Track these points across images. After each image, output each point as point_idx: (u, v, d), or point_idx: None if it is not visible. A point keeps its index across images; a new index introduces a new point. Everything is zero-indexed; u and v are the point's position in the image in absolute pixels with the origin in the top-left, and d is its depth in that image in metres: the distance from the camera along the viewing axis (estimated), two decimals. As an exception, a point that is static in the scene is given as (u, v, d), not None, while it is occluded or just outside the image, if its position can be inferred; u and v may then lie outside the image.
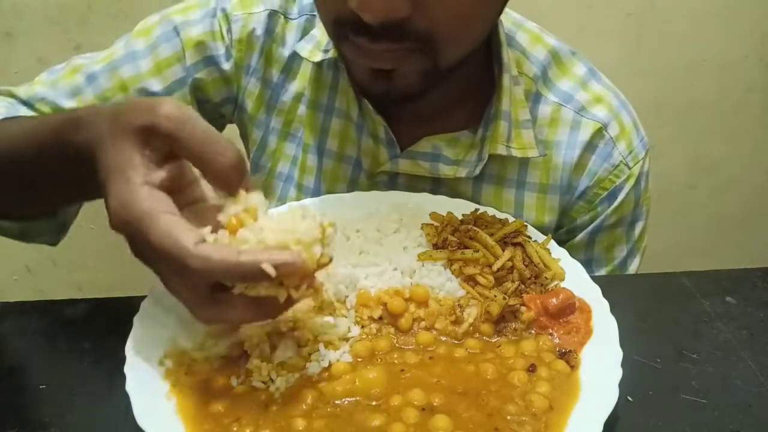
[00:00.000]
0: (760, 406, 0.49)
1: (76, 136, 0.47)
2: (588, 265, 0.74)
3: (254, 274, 0.40)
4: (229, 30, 0.72)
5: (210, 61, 0.72)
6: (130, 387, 0.45)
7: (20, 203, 0.59)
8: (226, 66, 0.73)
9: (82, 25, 1.30)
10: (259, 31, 0.72)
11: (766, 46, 1.57)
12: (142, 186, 0.42)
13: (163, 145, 0.43)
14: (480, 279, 0.55)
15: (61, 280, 1.61)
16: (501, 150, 0.68)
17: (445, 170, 0.70)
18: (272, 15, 0.73)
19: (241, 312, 0.44)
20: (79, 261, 1.58)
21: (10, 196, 0.58)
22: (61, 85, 0.70)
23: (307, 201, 0.67)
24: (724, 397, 0.50)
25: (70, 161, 0.48)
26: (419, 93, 0.61)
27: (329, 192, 0.73)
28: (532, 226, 0.65)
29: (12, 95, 0.69)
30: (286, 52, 0.73)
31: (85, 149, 0.46)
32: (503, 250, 0.58)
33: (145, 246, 0.42)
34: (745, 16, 1.53)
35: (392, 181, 0.72)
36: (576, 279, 0.57)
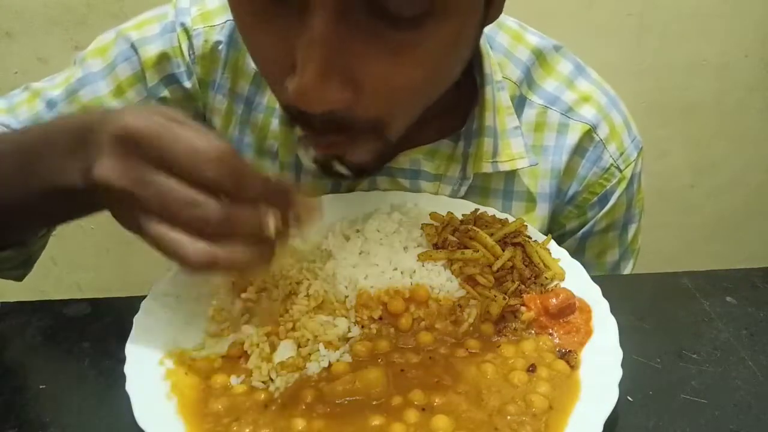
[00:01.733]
0: (760, 406, 0.49)
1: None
2: None
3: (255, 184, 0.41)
4: (190, 46, 0.67)
5: (171, 79, 0.68)
6: (130, 387, 0.44)
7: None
8: (188, 84, 0.68)
9: (82, 25, 1.30)
10: (223, 44, 0.67)
11: (767, 46, 1.57)
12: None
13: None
14: (480, 279, 0.55)
15: (61, 280, 1.61)
16: (486, 168, 0.65)
17: (427, 187, 0.66)
18: (234, 26, 0.67)
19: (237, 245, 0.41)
20: (79, 261, 1.58)
21: None
22: (20, 111, 0.67)
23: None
24: (724, 397, 0.50)
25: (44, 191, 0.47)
26: (374, 166, 0.59)
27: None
28: None
29: None
30: (253, 64, 0.66)
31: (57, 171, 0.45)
32: (503, 250, 0.58)
33: (168, 143, 0.39)
34: (745, 16, 1.53)
35: None
36: (576, 279, 0.57)
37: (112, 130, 0.41)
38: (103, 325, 0.56)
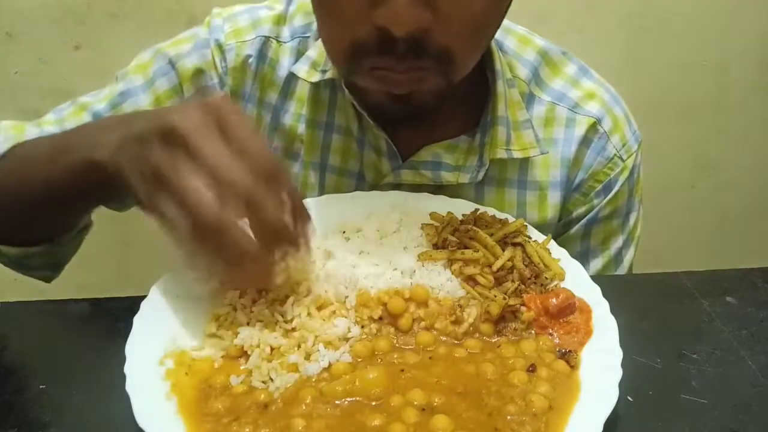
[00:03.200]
0: (760, 406, 0.49)
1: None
2: (584, 256, 0.77)
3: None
4: (223, 59, 0.73)
5: None
6: (130, 387, 0.45)
7: (39, 219, 0.61)
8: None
9: (82, 25, 1.30)
10: (253, 58, 0.74)
11: (766, 46, 1.57)
12: None
13: None
14: (480, 279, 0.55)
15: (61, 280, 1.61)
16: (501, 154, 0.70)
17: (448, 177, 0.71)
18: (264, 41, 0.74)
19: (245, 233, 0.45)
20: (79, 261, 1.58)
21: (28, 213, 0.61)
22: (68, 123, 0.72)
23: (308, 200, 0.67)
24: (724, 397, 0.50)
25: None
26: (433, 110, 0.64)
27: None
28: (536, 223, 0.67)
29: (20, 130, 0.70)
30: (282, 75, 0.74)
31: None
32: (503, 250, 0.58)
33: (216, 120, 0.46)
34: (745, 16, 1.53)
35: None
36: (576, 279, 0.57)
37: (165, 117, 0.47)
38: (103, 325, 0.56)
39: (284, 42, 0.75)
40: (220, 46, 0.73)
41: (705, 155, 1.69)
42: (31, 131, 0.70)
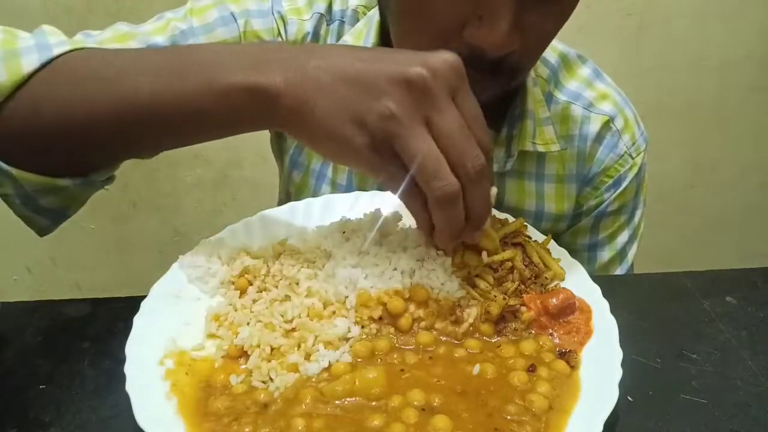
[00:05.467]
0: (760, 406, 0.49)
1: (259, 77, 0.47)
2: (593, 248, 0.82)
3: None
4: (285, 31, 0.74)
5: None
6: (130, 387, 0.44)
7: (87, 146, 0.53)
8: None
9: (82, 25, 1.29)
10: (310, 34, 0.76)
11: (766, 46, 1.57)
12: None
13: None
14: (479, 282, 0.55)
15: (61, 280, 1.61)
16: (528, 147, 0.74)
17: None
18: (319, 18, 0.76)
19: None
20: (79, 261, 1.58)
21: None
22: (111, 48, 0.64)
23: (309, 201, 0.67)
24: (724, 397, 0.50)
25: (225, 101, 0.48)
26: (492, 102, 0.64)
27: (360, 188, 0.75)
28: (554, 214, 0.73)
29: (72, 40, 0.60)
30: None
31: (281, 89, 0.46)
32: (503, 250, 0.58)
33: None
34: (745, 16, 1.53)
35: None
36: (576, 279, 0.57)
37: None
38: (103, 325, 0.56)
39: (329, 24, 0.77)
40: (282, 18, 0.74)
41: (705, 155, 1.69)
42: (87, 41, 0.61)
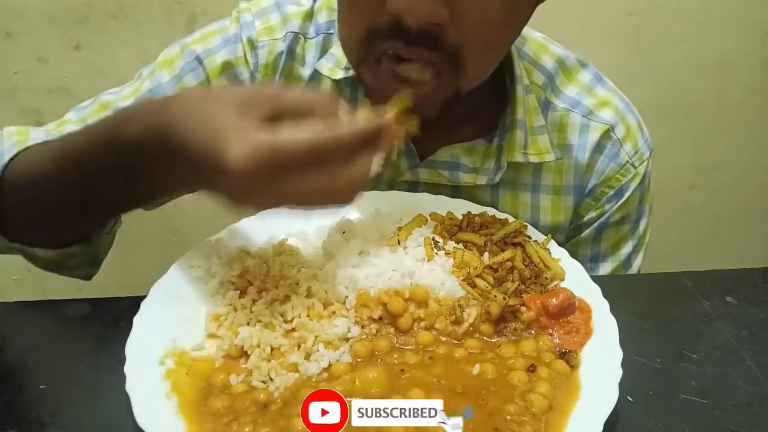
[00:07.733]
0: (760, 406, 0.49)
1: (126, 130, 0.49)
2: (594, 260, 0.78)
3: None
4: (255, 55, 0.73)
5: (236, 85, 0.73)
6: (130, 387, 0.45)
7: (65, 221, 0.60)
8: None
9: (82, 25, 1.30)
10: (284, 54, 0.74)
11: (766, 46, 1.57)
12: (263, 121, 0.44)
13: (261, 110, 0.45)
14: (479, 282, 0.55)
15: (61, 280, 1.61)
16: (518, 158, 0.71)
17: (465, 178, 0.72)
18: (294, 37, 0.74)
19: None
20: (79, 261, 1.58)
21: (58, 213, 0.59)
22: (92, 121, 0.69)
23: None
24: (724, 397, 0.50)
25: (122, 157, 0.50)
26: (436, 118, 0.62)
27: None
28: (549, 226, 0.68)
29: (24, 135, 0.67)
30: (307, 71, 0.75)
31: (144, 138, 0.47)
32: (503, 251, 0.58)
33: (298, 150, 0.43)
34: (745, 16, 1.53)
35: (412, 190, 0.73)
36: (576, 279, 0.57)
37: None
38: (103, 325, 0.56)
39: (310, 38, 0.75)
40: (251, 42, 0.73)
41: (705, 155, 1.69)
42: (53, 130, 0.69)
